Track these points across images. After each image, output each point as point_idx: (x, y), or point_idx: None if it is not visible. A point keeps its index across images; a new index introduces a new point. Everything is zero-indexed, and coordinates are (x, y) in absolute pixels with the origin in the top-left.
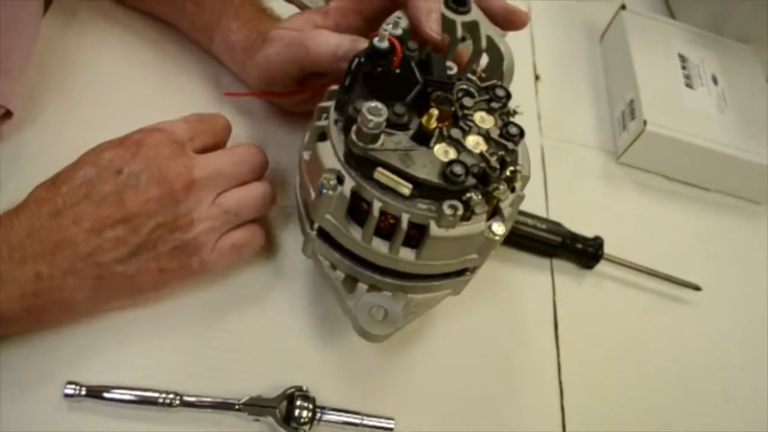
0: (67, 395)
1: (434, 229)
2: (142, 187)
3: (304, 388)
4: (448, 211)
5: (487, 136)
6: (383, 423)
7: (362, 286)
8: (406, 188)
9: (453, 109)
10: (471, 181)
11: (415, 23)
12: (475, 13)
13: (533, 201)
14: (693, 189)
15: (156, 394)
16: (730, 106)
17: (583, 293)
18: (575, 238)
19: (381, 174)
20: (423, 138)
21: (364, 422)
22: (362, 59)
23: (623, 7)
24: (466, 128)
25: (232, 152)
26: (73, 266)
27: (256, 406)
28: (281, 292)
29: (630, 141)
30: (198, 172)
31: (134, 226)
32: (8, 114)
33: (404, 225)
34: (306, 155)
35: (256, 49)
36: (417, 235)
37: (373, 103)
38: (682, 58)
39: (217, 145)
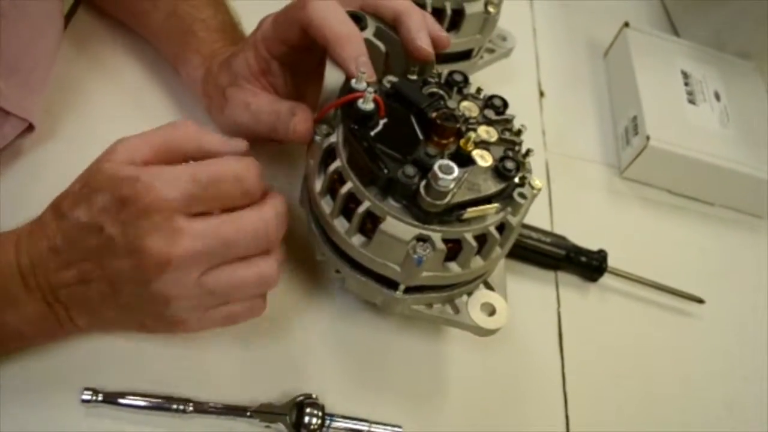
0: (84, 401)
1: (513, 219)
2: (118, 252)
3: (314, 396)
4: (519, 200)
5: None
6: (391, 430)
7: (461, 300)
8: (494, 208)
9: (458, 125)
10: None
11: (406, 40)
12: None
13: (538, 215)
14: (696, 203)
15: (169, 400)
16: (732, 122)
17: (588, 306)
18: (579, 251)
19: (470, 212)
20: (463, 160)
21: (372, 429)
22: (355, 127)
23: (627, 24)
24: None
25: (235, 221)
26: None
27: (266, 413)
28: (292, 304)
29: (633, 156)
30: (178, 249)
31: (114, 289)
32: (30, 128)
33: (495, 233)
34: (379, 238)
35: (217, 100)
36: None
37: (443, 162)
38: (685, 75)
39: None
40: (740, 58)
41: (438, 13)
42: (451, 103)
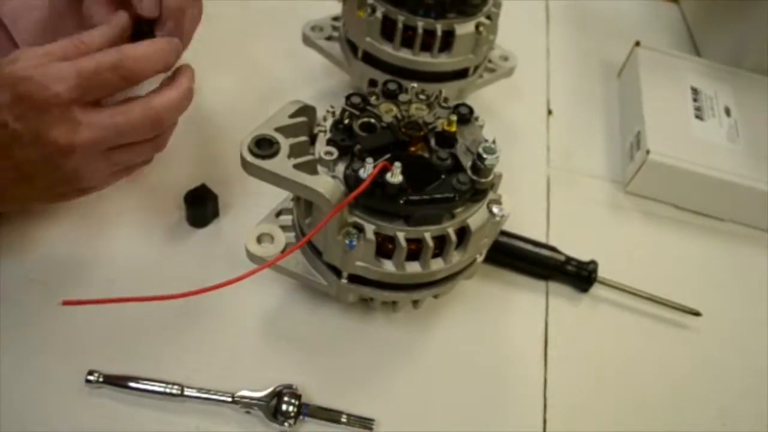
0: (87, 381)
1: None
2: (25, 144)
3: (294, 386)
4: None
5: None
6: (363, 422)
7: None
8: None
9: (422, 132)
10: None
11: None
12: None
13: (534, 229)
14: (703, 218)
15: (162, 385)
16: (741, 137)
17: (578, 315)
18: (569, 261)
19: None
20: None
21: (343, 420)
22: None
23: (638, 43)
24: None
25: (125, 112)
26: None
27: (248, 400)
28: (280, 300)
29: (635, 170)
30: (79, 138)
31: (27, 176)
32: None
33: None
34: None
35: None
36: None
37: (485, 144)
38: (695, 91)
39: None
40: (758, 73)
41: (429, 34)
42: (387, 118)
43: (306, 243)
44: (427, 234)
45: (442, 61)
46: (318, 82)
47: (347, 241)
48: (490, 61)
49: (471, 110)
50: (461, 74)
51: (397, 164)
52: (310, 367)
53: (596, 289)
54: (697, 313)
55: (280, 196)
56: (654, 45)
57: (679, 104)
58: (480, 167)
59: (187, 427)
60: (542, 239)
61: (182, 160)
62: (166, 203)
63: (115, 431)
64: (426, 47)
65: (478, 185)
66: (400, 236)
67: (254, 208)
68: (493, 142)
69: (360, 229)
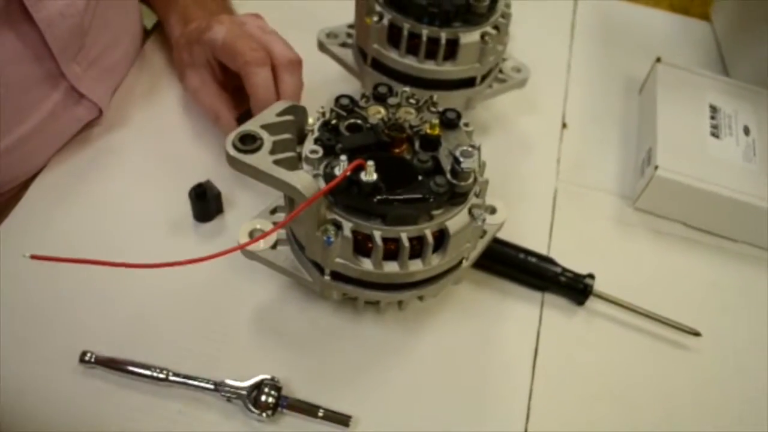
0: (81, 361)
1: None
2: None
3: (275, 379)
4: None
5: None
6: (339, 417)
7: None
8: None
9: (405, 134)
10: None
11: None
12: None
13: (535, 240)
14: (714, 238)
15: (149, 369)
16: (759, 157)
17: (572, 328)
18: (564, 272)
19: None
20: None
21: (320, 415)
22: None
23: (658, 60)
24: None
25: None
26: None
27: (229, 389)
28: (273, 296)
29: (644, 186)
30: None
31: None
32: (100, 114)
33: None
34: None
35: (179, 72)
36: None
37: (463, 148)
38: (713, 109)
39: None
40: None
41: (433, 42)
42: (373, 119)
43: (295, 240)
44: (404, 234)
45: (447, 69)
46: (334, 87)
47: (325, 237)
48: (501, 72)
49: (458, 115)
50: (468, 83)
51: (371, 163)
52: (296, 362)
53: (594, 304)
54: (696, 333)
55: (281, 194)
56: (682, 62)
57: (695, 121)
58: (458, 171)
59: (170, 410)
60: (543, 250)
61: (193, 156)
62: (176, 197)
63: (103, 409)
64: (431, 55)
65: (456, 188)
66: (377, 235)
67: (258, 206)
68: (474, 147)
69: (338, 227)
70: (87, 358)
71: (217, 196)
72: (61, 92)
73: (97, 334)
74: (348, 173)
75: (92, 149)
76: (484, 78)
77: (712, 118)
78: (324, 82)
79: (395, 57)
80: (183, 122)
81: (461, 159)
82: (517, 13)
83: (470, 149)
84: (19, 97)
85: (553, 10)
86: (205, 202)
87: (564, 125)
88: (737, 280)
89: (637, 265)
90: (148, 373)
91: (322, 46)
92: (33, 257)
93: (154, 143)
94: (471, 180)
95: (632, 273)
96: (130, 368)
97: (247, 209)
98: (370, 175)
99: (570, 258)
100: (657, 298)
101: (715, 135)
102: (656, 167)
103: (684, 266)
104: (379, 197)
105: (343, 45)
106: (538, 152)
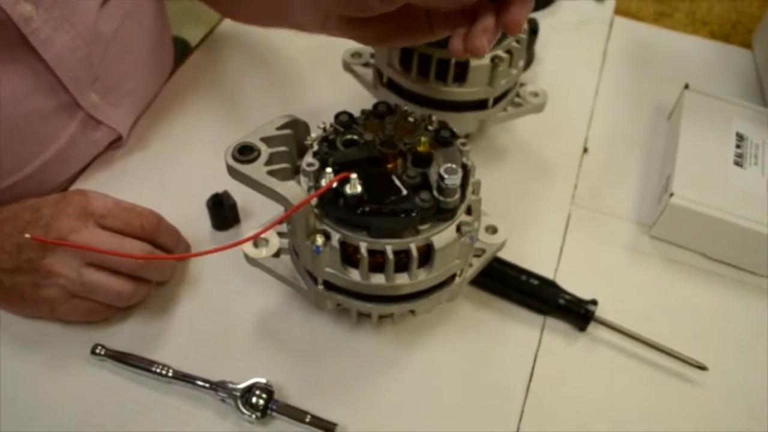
0: (92, 353)
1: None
2: (40, 226)
3: (268, 383)
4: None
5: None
6: (326, 424)
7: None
8: None
9: (398, 150)
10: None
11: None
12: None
13: (543, 263)
14: (735, 270)
15: (153, 365)
16: None
17: (571, 353)
18: (565, 296)
19: None
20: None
21: (307, 420)
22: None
23: (687, 86)
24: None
25: (123, 243)
26: None
27: (224, 389)
28: (277, 304)
29: (659, 214)
30: (74, 237)
31: (17, 253)
32: (119, 139)
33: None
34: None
35: None
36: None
37: (447, 165)
38: (740, 137)
39: (138, 236)
40: None
41: (443, 64)
42: (368, 136)
43: (294, 250)
44: (389, 247)
45: (456, 91)
46: (355, 106)
47: (314, 247)
48: (518, 96)
49: (453, 134)
50: (479, 105)
51: (354, 176)
52: (292, 368)
53: (598, 331)
54: (702, 367)
55: None
56: (719, 90)
57: (718, 149)
58: (443, 187)
59: (169, 406)
60: (549, 274)
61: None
62: (197, 206)
63: (108, 399)
64: (441, 77)
65: (442, 204)
66: (363, 246)
67: (272, 217)
68: (465, 164)
69: (328, 237)
70: (98, 351)
71: (233, 205)
72: (78, 121)
73: (110, 329)
74: (333, 185)
75: (114, 168)
76: (497, 101)
77: (738, 146)
78: (350, 101)
79: (407, 78)
80: (205, 137)
81: (445, 176)
82: (549, 36)
83: (454, 167)
84: (37, 128)
85: (588, 35)
86: (222, 211)
87: (585, 150)
88: (753, 315)
89: (648, 293)
90: (150, 368)
91: (345, 66)
92: (33, 239)
93: (174, 159)
94: (457, 197)
95: (642, 301)
96: (136, 363)
97: (262, 220)
98: (354, 188)
99: (577, 283)
100: (665, 329)
101: (738, 164)
102: (671, 194)
103: (697, 297)
104: (362, 209)
105: (366, 65)
106: (555, 176)
